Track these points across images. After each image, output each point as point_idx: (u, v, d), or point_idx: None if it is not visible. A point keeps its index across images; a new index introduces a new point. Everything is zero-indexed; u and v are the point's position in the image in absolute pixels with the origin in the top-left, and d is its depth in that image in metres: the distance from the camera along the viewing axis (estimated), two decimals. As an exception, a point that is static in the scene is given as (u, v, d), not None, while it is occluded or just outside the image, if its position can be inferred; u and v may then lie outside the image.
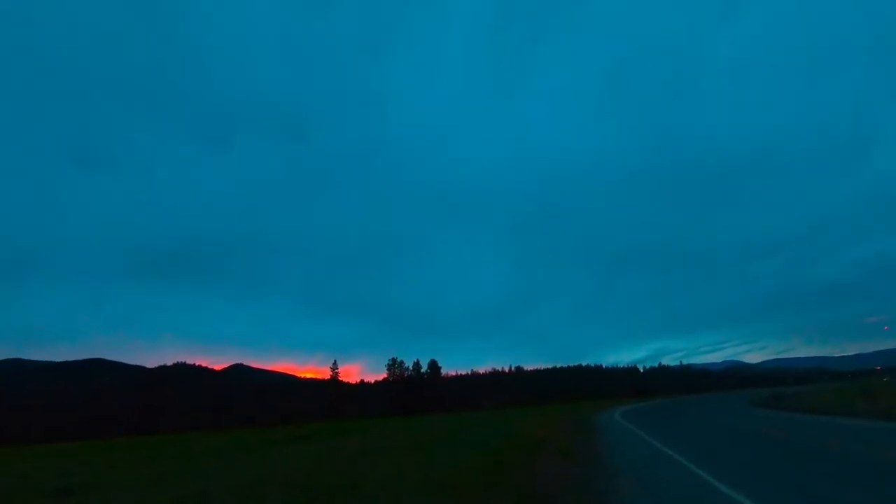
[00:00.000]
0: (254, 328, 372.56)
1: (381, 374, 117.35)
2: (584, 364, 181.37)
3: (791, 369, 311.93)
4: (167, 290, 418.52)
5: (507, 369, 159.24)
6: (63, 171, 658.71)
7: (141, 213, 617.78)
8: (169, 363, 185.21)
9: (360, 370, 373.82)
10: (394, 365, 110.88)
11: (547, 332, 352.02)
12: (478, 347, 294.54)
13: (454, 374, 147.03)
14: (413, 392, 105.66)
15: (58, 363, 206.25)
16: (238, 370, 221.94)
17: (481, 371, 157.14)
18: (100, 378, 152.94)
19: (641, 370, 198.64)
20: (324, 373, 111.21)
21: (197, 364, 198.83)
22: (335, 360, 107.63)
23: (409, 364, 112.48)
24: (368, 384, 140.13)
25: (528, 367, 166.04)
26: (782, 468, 9.00)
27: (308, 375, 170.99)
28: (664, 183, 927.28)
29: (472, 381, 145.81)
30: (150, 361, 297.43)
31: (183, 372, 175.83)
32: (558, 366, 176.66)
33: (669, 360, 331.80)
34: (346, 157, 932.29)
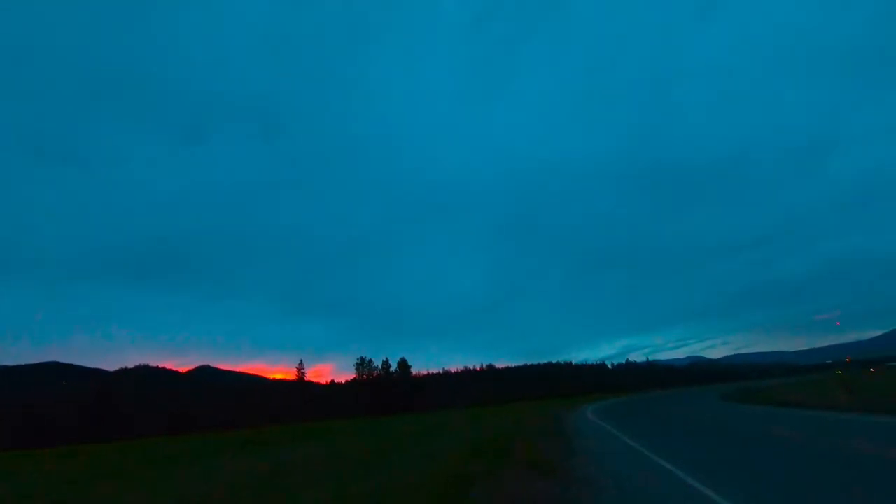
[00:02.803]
0: (223, 329, 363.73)
1: (353, 374, 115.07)
2: (554, 361, 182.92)
3: (751, 364, 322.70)
4: (132, 290, 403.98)
5: (479, 367, 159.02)
6: (24, 166, 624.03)
7: (106, 210, 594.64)
8: (130, 366, 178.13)
9: (333, 370, 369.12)
10: (362, 364, 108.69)
11: (518, 331, 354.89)
12: (451, 346, 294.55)
13: (426, 373, 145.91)
14: (382, 392, 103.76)
15: (10, 367, 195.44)
16: (204, 372, 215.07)
17: (453, 370, 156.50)
18: (55, 382, 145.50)
19: (610, 367, 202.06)
20: (294, 374, 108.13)
21: (161, 366, 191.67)
22: (301, 361, 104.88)
23: (378, 363, 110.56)
24: (339, 384, 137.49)
25: (500, 364, 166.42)
26: (791, 475, 7.77)
27: (278, 377, 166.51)
28: (634, 184, 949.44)
29: (443, 380, 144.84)
30: (111, 364, 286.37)
31: (145, 375, 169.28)
32: (529, 364, 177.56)
33: (636, 357, 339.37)
34: (321, 156, 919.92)
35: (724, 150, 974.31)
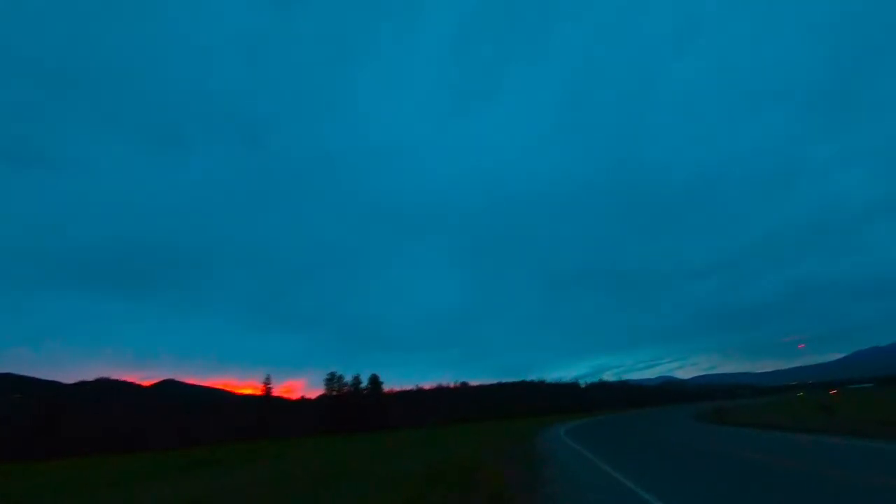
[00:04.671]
0: (191, 341, 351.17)
1: (324, 390, 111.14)
2: (528, 380, 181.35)
3: (719, 385, 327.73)
4: (95, 298, 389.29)
5: (452, 385, 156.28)
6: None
7: (69, 215, 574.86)
8: (90, 378, 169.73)
9: (304, 386, 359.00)
10: (332, 380, 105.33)
11: (493, 348, 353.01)
12: (425, 362, 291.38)
13: (399, 389, 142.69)
14: (351, 408, 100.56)
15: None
16: (168, 386, 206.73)
17: (426, 386, 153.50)
18: (7, 395, 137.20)
19: (583, 386, 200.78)
20: (261, 389, 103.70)
21: (122, 379, 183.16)
22: (268, 375, 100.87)
23: (349, 379, 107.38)
24: (309, 400, 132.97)
25: (474, 382, 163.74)
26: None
27: (246, 392, 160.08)
28: (608, 207, 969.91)
29: (416, 397, 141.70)
30: (70, 377, 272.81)
31: (105, 388, 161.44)
32: (503, 381, 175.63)
33: (609, 376, 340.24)
34: (299, 168, 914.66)
35: (694, 177, 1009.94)
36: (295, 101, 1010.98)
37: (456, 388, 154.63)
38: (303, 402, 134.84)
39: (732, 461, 12.38)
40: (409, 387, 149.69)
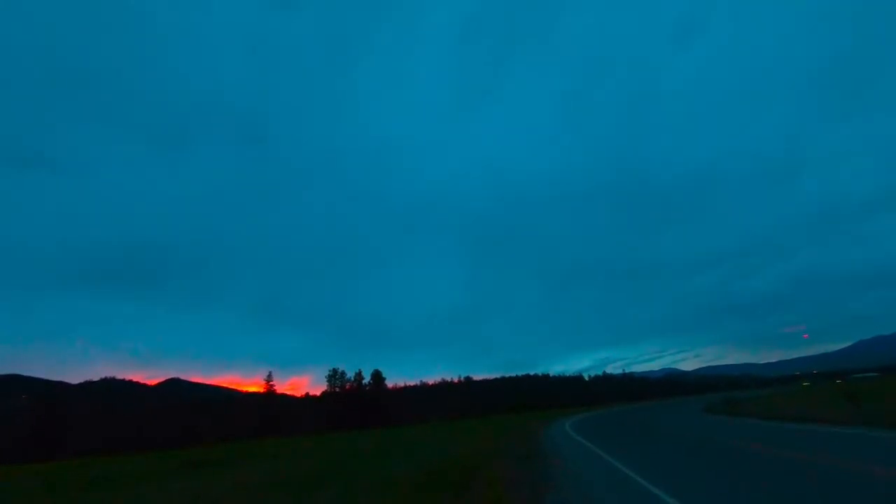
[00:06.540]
0: (196, 340, 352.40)
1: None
2: (531, 373, 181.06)
3: (722, 376, 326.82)
4: (100, 298, 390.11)
5: (456, 380, 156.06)
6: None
7: (74, 215, 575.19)
8: (95, 378, 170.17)
9: (309, 383, 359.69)
10: (334, 376, 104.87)
11: (496, 343, 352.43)
12: (429, 358, 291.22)
13: (403, 385, 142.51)
14: (353, 405, 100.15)
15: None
16: (173, 385, 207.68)
17: (430, 382, 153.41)
18: (14, 396, 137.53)
19: (587, 379, 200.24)
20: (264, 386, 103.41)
21: (128, 379, 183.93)
22: (270, 373, 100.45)
23: (351, 375, 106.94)
24: (314, 397, 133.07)
25: (478, 377, 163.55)
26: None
27: (252, 389, 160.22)
28: (612, 201, 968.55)
29: (420, 393, 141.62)
30: (76, 377, 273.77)
31: (110, 388, 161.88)
32: (507, 376, 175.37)
33: (613, 369, 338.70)
34: (302, 166, 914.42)
35: (697, 170, 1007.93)
36: (298, 99, 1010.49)
37: (459, 384, 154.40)
38: (307, 399, 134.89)
39: (750, 457, 11.01)
40: (412, 382, 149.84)
